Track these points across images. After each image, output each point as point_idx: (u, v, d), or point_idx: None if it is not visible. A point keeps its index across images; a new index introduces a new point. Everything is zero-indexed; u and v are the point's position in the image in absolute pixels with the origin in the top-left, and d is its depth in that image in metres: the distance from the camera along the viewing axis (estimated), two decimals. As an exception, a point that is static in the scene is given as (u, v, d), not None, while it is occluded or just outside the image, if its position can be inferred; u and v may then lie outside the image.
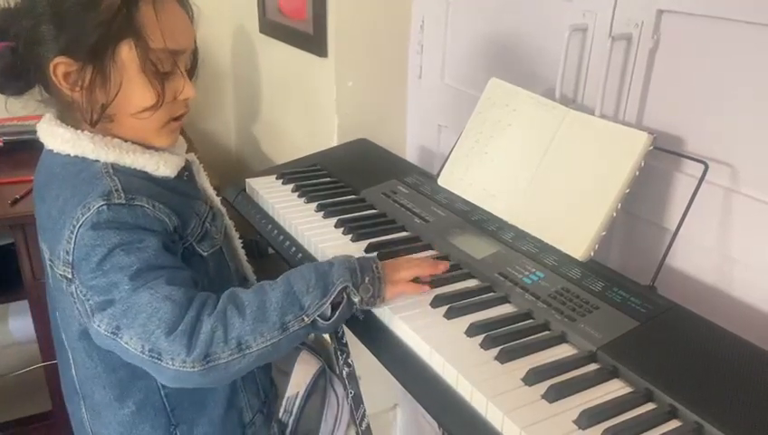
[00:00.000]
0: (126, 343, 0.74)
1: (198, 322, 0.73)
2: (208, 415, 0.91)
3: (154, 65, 0.79)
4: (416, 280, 0.85)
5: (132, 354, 0.74)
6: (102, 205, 0.75)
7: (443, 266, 0.88)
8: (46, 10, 0.76)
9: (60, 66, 0.77)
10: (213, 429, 0.92)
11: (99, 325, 0.75)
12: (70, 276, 0.77)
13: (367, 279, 0.80)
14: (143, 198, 0.78)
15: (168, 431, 0.89)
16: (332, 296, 0.78)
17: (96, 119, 0.80)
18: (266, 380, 1.02)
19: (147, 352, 0.72)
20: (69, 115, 0.83)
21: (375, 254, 0.92)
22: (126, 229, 0.76)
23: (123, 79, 0.79)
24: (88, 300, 0.75)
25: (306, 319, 0.77)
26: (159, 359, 0.72)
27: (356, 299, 0.79)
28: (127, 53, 0.78)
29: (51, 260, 0.80)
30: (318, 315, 0.77)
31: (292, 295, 0.77)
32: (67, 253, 0.76)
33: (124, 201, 0.77)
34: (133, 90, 0.79)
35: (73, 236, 0.75)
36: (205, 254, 0.87)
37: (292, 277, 0.79)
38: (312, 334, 0.84)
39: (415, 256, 0.93)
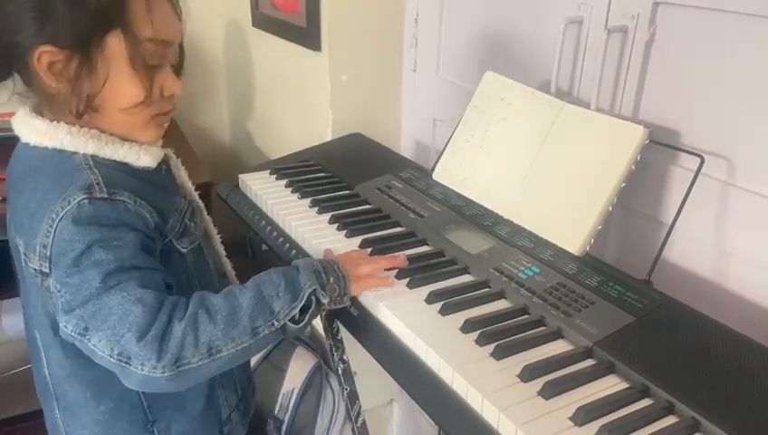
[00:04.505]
0: (94, 346, 0.72)
1: (169, 326, 0.72)
2: (187, 412, 0.90)
3: (142, 57, 0.77)
4: None
5: (99, 357, 0.73)
6: (84, 198, 0.74)
7: (401, 260, 0.90)
8: None
9: (44, 55, 0.75)
10: (191, 426, 0.91)
11: (65, 325, 0.73)
12: (46, 271, 0.75)
13: (332, 279, 0.82)
14: (124, 192, 0.77)
15: (144, 428, 0.87)
16: (302, 301, 0.79)
17: (82, 110, 0.78)
18: (244, 376, 1.01)
19: (115, 356, 0.71)
20: (47, 108, 0.82)
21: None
22: (106, 226, 0.74)
23: (111, 70, 0.77)
24: (61, 297, 0.74)
25: (276, 323, 0.77)
26: (128, 363, 0.71)
27: (324, 300, 0.81)
28: (116, 43, 0.76)
29: (25, 254, 0.78)
30: (288, 320, 0.78)
31: (263, 301, 0.77)
32: (44, 247, 0.74)
33: (106, 195, 0.75)
34: (120, 82, 0.78)
35: (52, 230, 0.74)
36: (184, 250, 0.86)
37: (262, 282, 0.80)
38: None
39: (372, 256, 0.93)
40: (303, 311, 0.80)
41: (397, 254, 0.92)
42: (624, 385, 0.69)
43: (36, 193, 0.77)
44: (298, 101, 1.62)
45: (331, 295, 0.81)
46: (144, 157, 0.83)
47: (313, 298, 0.80)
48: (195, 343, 0.72)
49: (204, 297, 0.77)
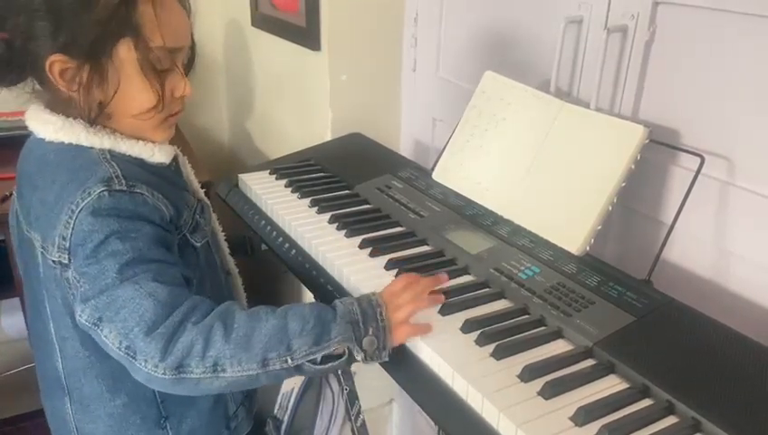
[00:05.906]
0: (105, 337, 0.72)
1: (181, 328, 0.71)
2: (197, 408, 0.91)
3: (152, 64, 0.78)
4: None
5: (110, 348, 0.73)
6: (103, 190, 0.75)
7: (445, 284, 0.84)
8: (42, 5, 0.75)
9: (56, 64, 0.76)
10: (200, 421, 0.92)
11: (80, 315, 0.74)
12: (66, 262, 0.76)
13: (371, 330, 0.75)
14: (142, 185, 0.78)
15: (157, 424, 0.88)
16: (325, 351, 0.74)
17: (94, 117, 0.79)
18: None
19: (123, 349, 0.71)
20: (60, 107, 0.82)
21: (376, 295, 0.79)
22: (124, 217, 0.75)
23: (121, 78, 0.78)
24: (80, 286, 0.74)
25: (290, 362, 0.73)
26: (134, 358, 0.71)
27: (359, 357, 0.74)
28: (125, 52, 0.77)
29: (43, 247, 0.79)
30: (308, 361, 0.74)
31: (283, 333, 0.73)
32: (64, 238, 0.75)
33: (125, 187, 0.76)
34: (131, 90, 0.79)
35: (72, 221, 0.74)
36: (198, 245, 0.87)
37: (291, 313, 0.75)
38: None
39: (414, 277, 0.82)
40: (329, 358, 0.75)
41: (438, 277, 0.84)
42: (624, 385, 0.69)
43: (54, 186, 0.78)
44: (298, 100, 1.62)
45: (368, 349, 0.74)
46: (158, 154, 0.85)
47: (346, 350, 0.75)
48: (202, 354, 0.71)
49: (229, 311, 0.74)
